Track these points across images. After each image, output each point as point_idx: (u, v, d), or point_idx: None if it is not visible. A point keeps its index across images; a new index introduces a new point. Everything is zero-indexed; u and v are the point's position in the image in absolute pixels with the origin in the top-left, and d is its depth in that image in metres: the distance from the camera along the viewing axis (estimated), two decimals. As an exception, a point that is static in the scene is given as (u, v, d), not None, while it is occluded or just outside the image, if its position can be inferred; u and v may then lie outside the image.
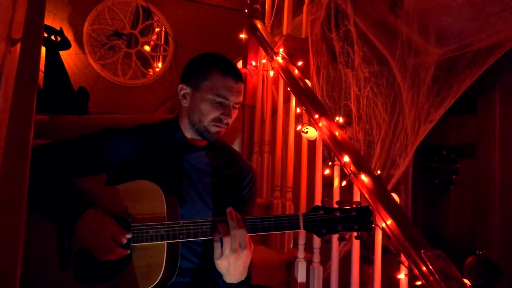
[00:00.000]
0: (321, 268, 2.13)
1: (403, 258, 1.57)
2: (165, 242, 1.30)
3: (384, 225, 1.64)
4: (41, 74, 3.34)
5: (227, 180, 1.57)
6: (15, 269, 0.97)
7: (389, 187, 2.46)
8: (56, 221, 1.37)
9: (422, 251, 1.44)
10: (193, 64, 1.55)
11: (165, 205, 1.34)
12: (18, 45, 1.55)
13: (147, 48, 4.63)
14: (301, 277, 2.19)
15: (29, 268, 1.39)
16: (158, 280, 1.29)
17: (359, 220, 1.26)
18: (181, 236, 1.30)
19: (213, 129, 1.49)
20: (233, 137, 2.99)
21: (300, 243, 2.21)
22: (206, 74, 1.48)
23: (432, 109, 2.30)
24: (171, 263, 1.34)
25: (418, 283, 1.46)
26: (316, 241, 2.13)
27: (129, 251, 1.31)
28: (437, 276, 1.36)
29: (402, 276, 1.57)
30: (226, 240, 1.24)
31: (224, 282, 1.32)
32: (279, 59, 2.52)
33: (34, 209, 1.35)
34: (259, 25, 2.95)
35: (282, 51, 2.56)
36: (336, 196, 1.97)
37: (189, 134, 1.54)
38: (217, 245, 1.25)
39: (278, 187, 2.55)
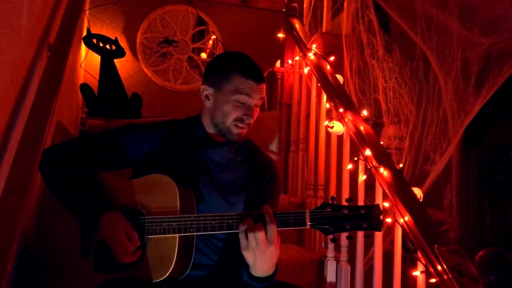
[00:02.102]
0: (349, 267, 2.06)
1: (420, 255, 1.48)
2: (177, 235, 1.32)
3: (402, 221, 1.56)
4: (96, 82, 3.55)
5: (249, 176, 1.55)
6: (12, 243, 1.06)
7: (426, 184, 2.32)
8: (78, 218, 1.43)
9: (435, 246, 1.35)
10: (215, 65, 1.54)
11: (178, 199, 1.36)
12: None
13: (203, 55, 4.75)
14: (330, 276, 2.13)
15: (52, 255, 1.48)
16: (169, 272, 1.31)
17: (368, 218, 1.20)
18: (191, 230, 1.31)
19: (235, 130, 1.48)
20: (271, 136, 2.98)
21: (329, 242, 2.15)
22: (228, 75, 1.47)
23: (470, 101, 2.13)
24: (183, 256, 1.35)
25: (433, 280, 1.36)
26: (344, 239, 2.07)
27: (140, 253, 1.34)
28: (449, 272, 1.27)
29: (417, 273, 1.48)
30: (251, 235, 1.22)
31: (250, 274, 1.30)
32: (310, 55, 2.49)
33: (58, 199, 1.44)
34: (296, 24, 2.93)
35: (315, 47, 2.52)
36: (361, 193, 1.90)
37: (210, 130, 1.54)
38: (242, 236, 1.24)
39: (311, 185, 2.50)
